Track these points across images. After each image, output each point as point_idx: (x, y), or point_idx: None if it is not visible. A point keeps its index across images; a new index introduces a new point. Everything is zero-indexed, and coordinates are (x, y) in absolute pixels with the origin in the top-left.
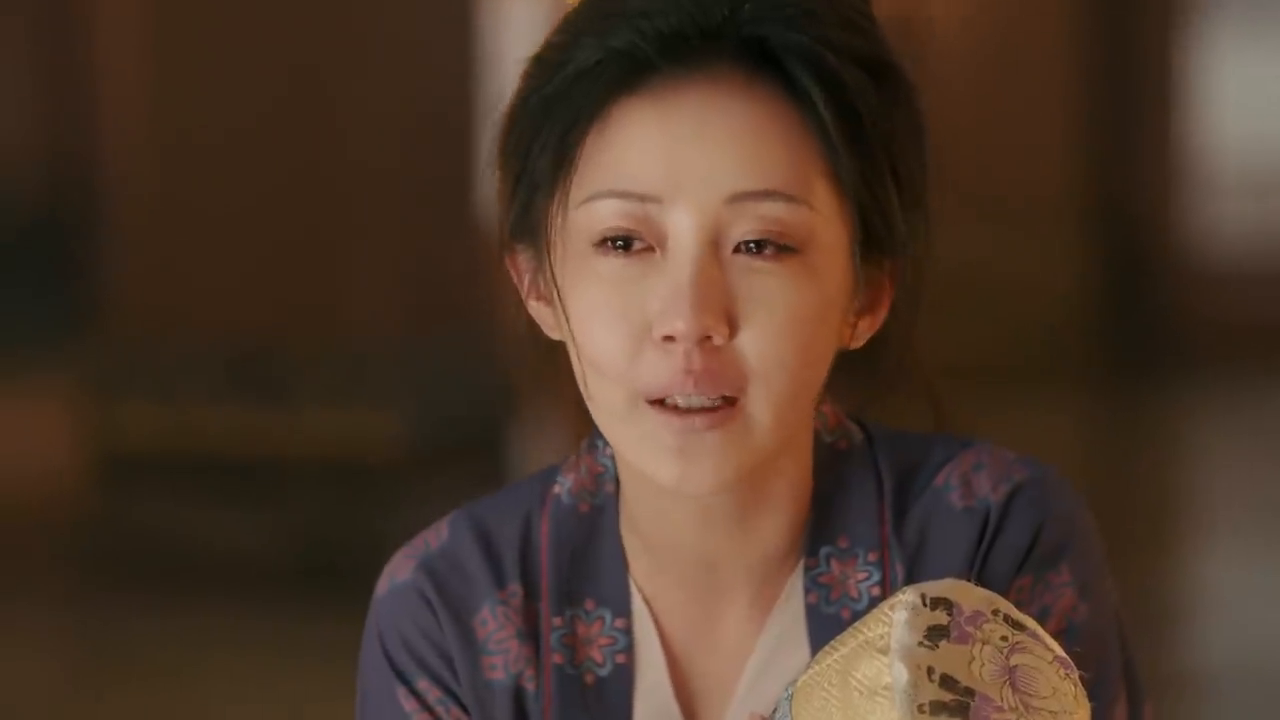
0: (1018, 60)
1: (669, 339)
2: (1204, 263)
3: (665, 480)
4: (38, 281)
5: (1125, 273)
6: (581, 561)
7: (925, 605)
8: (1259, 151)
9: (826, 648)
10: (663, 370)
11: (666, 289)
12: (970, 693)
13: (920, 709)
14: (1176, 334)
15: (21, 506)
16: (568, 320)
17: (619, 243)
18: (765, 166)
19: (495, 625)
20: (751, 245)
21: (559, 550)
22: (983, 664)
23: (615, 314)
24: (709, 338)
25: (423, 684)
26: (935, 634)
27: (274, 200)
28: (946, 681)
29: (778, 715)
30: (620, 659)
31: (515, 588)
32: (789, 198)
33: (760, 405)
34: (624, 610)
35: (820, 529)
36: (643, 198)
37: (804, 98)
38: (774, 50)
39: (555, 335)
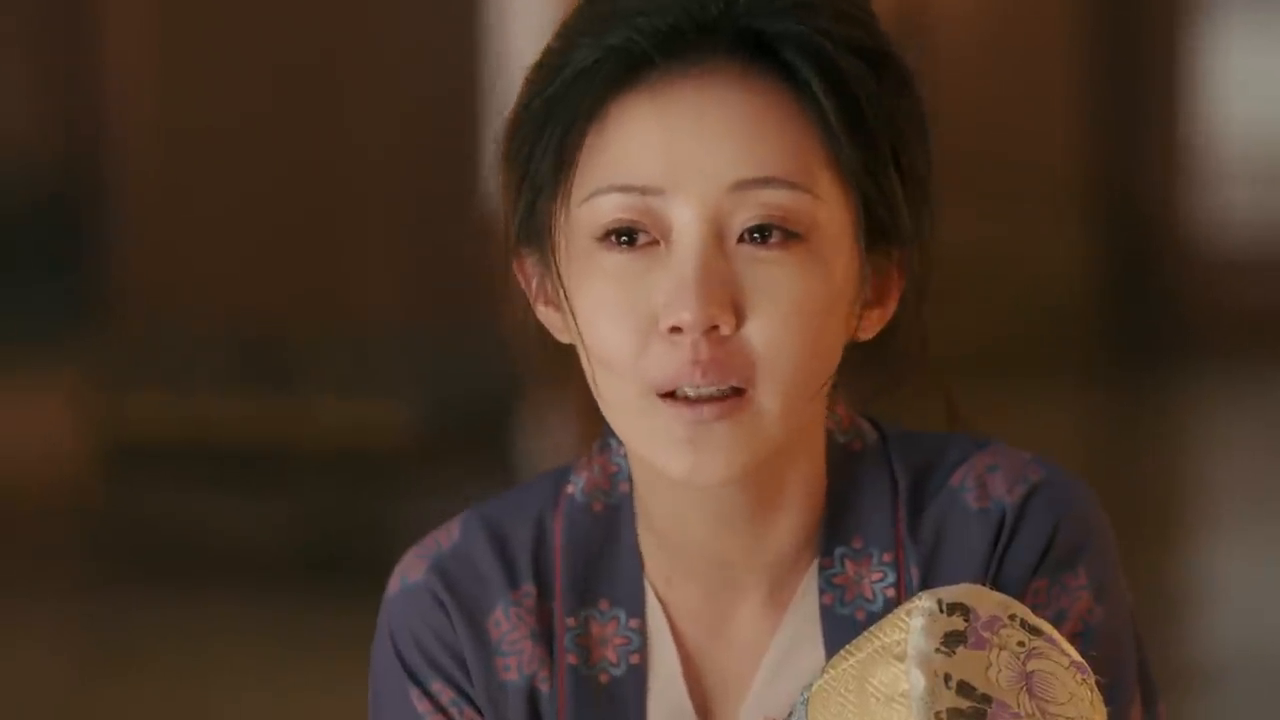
0: (1023, 50)
1: (675, 330)
2: (1210, 251)
3: (677, 472)
4: (44, 270)
5: (1131, 261)
6: (596, 561)
7: (942, 611)
8: (1265, 140)
9: (842, 652)
10: (670, 362)
11: (671, 281)
12: (987, 699)
13: (938, 716)
14: (1183, 323)
15: (28, 495)
16: (575, 319)
17: (623, 237)
18: (765, 154)
19: (509, 626)
20: (756, 234)
21: (573, 550)
22: (1000, 670)
23: (621, 308)
24: (716, 328)
25: (436, 685)
26: (952, 640)
27: (281, 189)
28: (963, 688)
29: (793, 719)
30: (634, 659)
31: (529, 588)
32: (791, 184)
33: (769, 394)
34: (638, 610)
35: (834, 529)
36: (644, 190)
37: (803, 87)
38: (770, 41)
39: (565, 339)
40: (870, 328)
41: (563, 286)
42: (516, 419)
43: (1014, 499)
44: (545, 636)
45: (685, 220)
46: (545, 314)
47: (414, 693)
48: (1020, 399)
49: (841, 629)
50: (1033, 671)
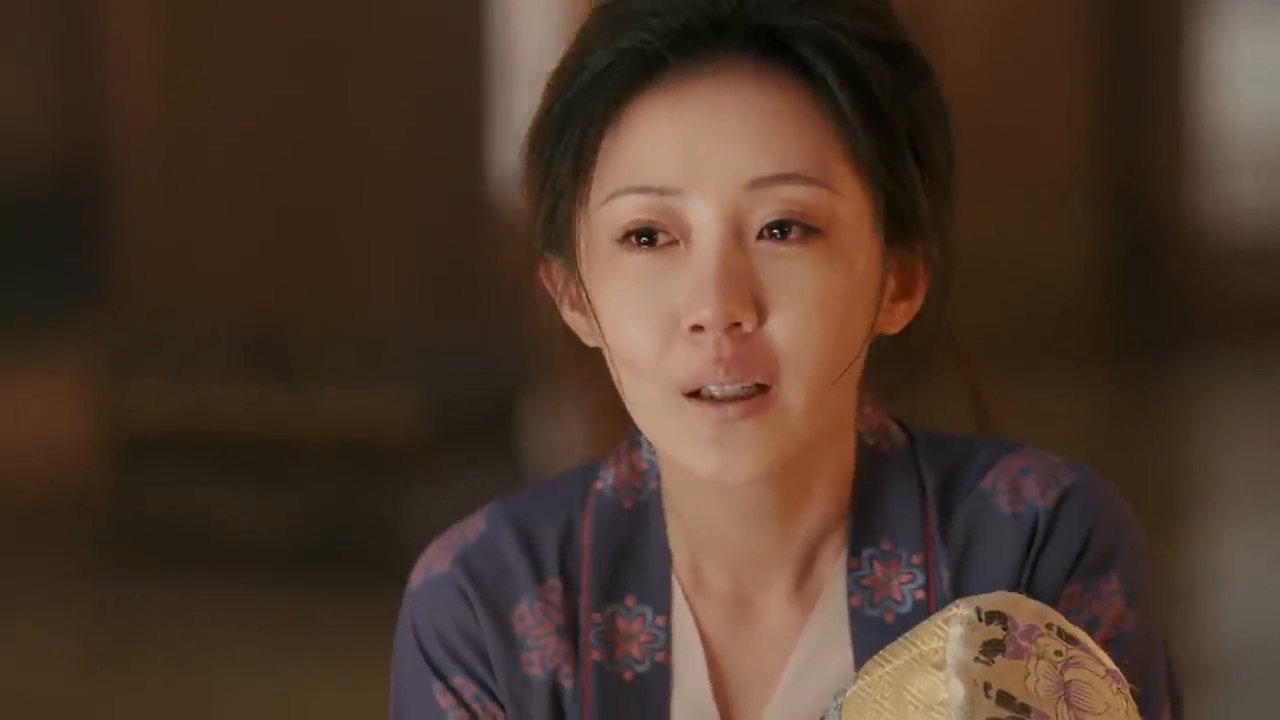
0: (1029, 39)
1: (697, 329)
2: (1216, 241)
3: (705, 471)
4: (51, 260)
5: (1137, 251)
6: (624, 557)
7: (980, 619)
8: (1271, 130)
9: (876, 658)
10: (693, 361)
11: (692, 280)
12: (1026, 709)
13: None
14: (1189, 312)
15: (33, 486)
16: (597, 321)
17: (643, 238)
18: (782, 151)
19: (534, 621)
20: (775, 230)
21: (601, 545)
22: (1038, 679)
23: (644, 309)
24: (737, 325)
25: (459, 680)
26: (991, 649)
27: (285, 181)
28: (1003, 698)
29: None
30: (659, 657)
31: (555, 583)
32: (808, 180)
33: (794, 391)
34: (664, 607)
35: (862, 531)
36: (661, 191)
37: (818, 82)
38: (783, 36)
39: (592, 343)
40: (897, 321)
41: (584, 289)
42: (520, 410)
43: (1047, 503)
44: (570, 632)
45: (704, 219)
46: (571, 318)
47: (436, 687)
48: (1026, 388)
49: (870, 630)
50: (1070, 681)
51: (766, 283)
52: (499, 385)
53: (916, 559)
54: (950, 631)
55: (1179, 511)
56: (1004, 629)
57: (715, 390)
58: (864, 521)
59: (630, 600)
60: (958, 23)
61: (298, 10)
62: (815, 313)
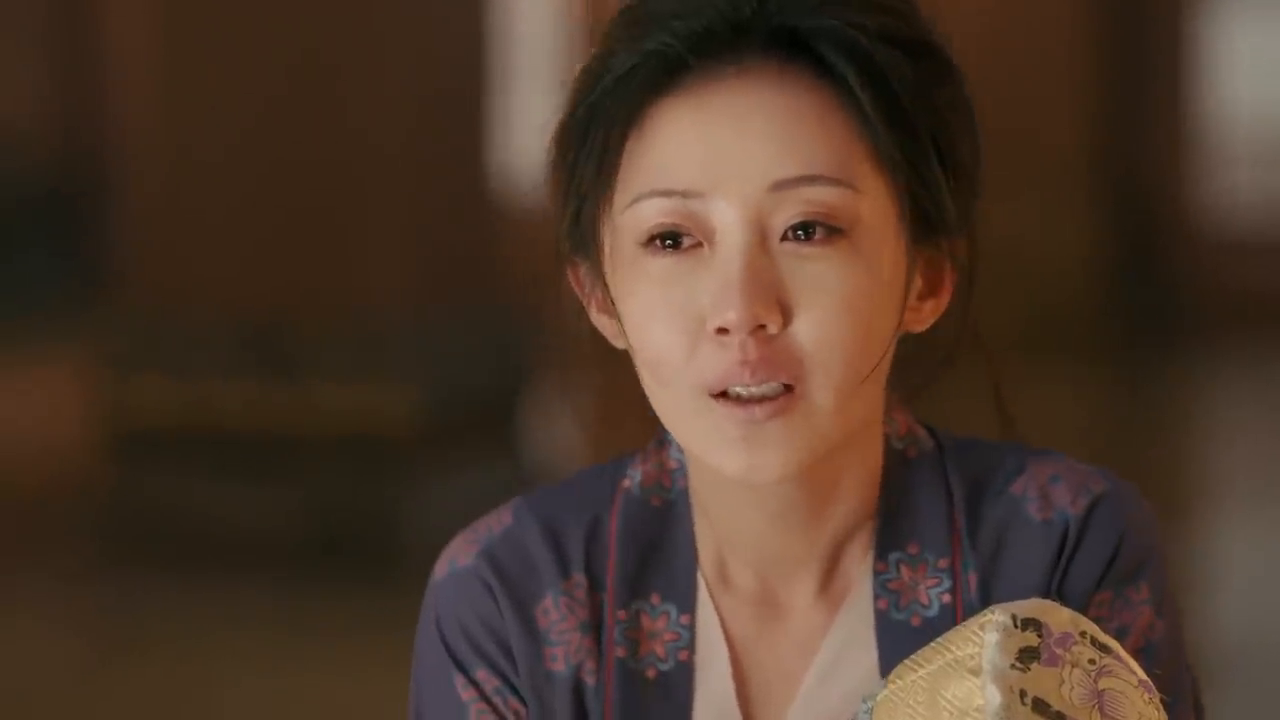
0: (1028, 31)
1: (723, 331)
2: (1216, 232)
3: (733, 471)
4: (51, 256)
5: (1137, 244)
6: (651, 555)
7: (1016, 626)
8: (1270, 122)
9: (908, 662)
10: (719, 363)
11: (716, 282)
12: (1061, 717)
13: None
14: (1189, 304)
15: (33, 482)
16: (623, 324)
17: (667, 241)
18: (805, 152)
19: (558, 616)
20: (799, 232)
21: (628, 543)
22: (1072, 687)
23: (669, 311)
24: (762, 327)
25: (481, 673)
26: (1027, 656)
27: (286, 175)
28: (1038, 705)
29: None
30: (683, 655)
31: (580, 578)
32: (831, 181)
33: (821, 390)
34: (689, 606)
35: (890, 534)
36: (685, 194)
37: (839, 81)
38: (805, 37)
39: (620, 345)
40: (924, 320)
41: (609, 292)
42: (521, 405)
43: (1078, 510)
44: (594, 628)
45: (728, 221)
46: (599, 320)
47: (458, 680)
48: (1026, 381)
49: (895, 634)
50: (1104, 690)
51: (791, 284)
52: (499, 381)
53: (943, 563)
54: (986, 637)
55: (1181, 506)
56: (1039, 636)
57: (742, 391)
58: (891, 525)
59: (655, 598)
60: (955, 18)
61: (297, 7)
62: (840, 313)
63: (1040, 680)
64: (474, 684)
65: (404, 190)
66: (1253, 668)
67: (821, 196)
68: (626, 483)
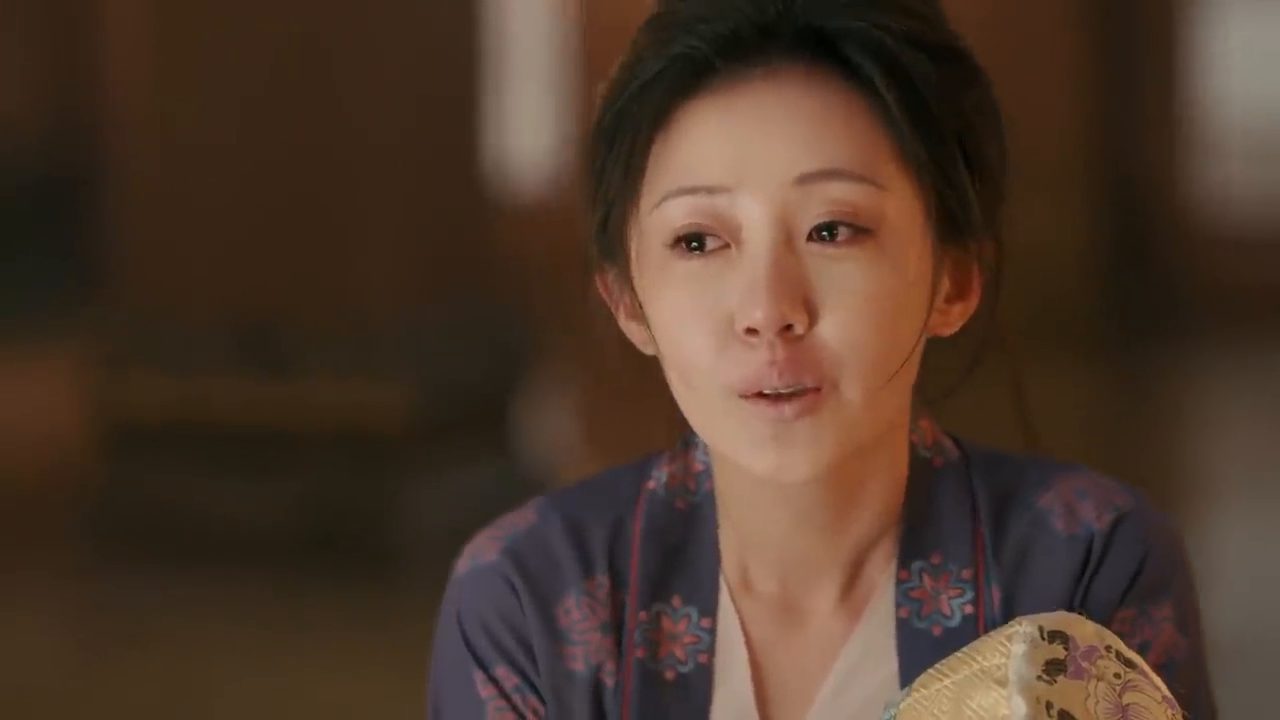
0: (1022, 26)
1: (751, 331)
2: (1210, 227)
3: (762, 470)
4: (46, 253)
5: (1131, 237)
6: (674, 557)
7: (1043, 638)
8: (1265, 115)
9: (933, 671)
10: (748, 364)
11: (744, 282)
12: None
13: None
14: (1183, 298)
15: (28, 477)
16: (651, 328)
17: (693, 244)
18: (830, 148)
19: (579, 615)
20: (824, 232)
21: (651, 544)
22: (1097, 701)
23: (697, 313)
24: (789, 327)
25: (501, 670)
26: (1053, 668)
27: (280, 171)
28: (1064, 717)
29: None
30: (703, 658)
31: (602, 579)
32: (857, 177)
33: (849, 390)
34: (711, 609)
35: (913, 543)
36: (711, 190)
37: (865, 82)
38: (831, 38)
39: (649, 351)
40: (952, 323)
41: (636, 295)
42: (515, 402)
43: (1103, 525)
44: (615, 628)
45: (754, 218)
46: (628, 326)
47: (478, 676)
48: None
49: (917, 643)
50: (1129, 705)
51: (817, 284)
52: (494, 377)
53: (967, 574)
54: (1013, 649)
55: (1172, 497)
56: (1065, 649)
57: (769, 389)
58: (915, 533)
59: (677, 600)
60: (950, 13)
61: (292, 4)
62: (866, 313)
63: (1066, 693)
64: (493, 681)
65: (399, 187)
66: (1247, 662)
67: (846, 195)
68: (651, 484)
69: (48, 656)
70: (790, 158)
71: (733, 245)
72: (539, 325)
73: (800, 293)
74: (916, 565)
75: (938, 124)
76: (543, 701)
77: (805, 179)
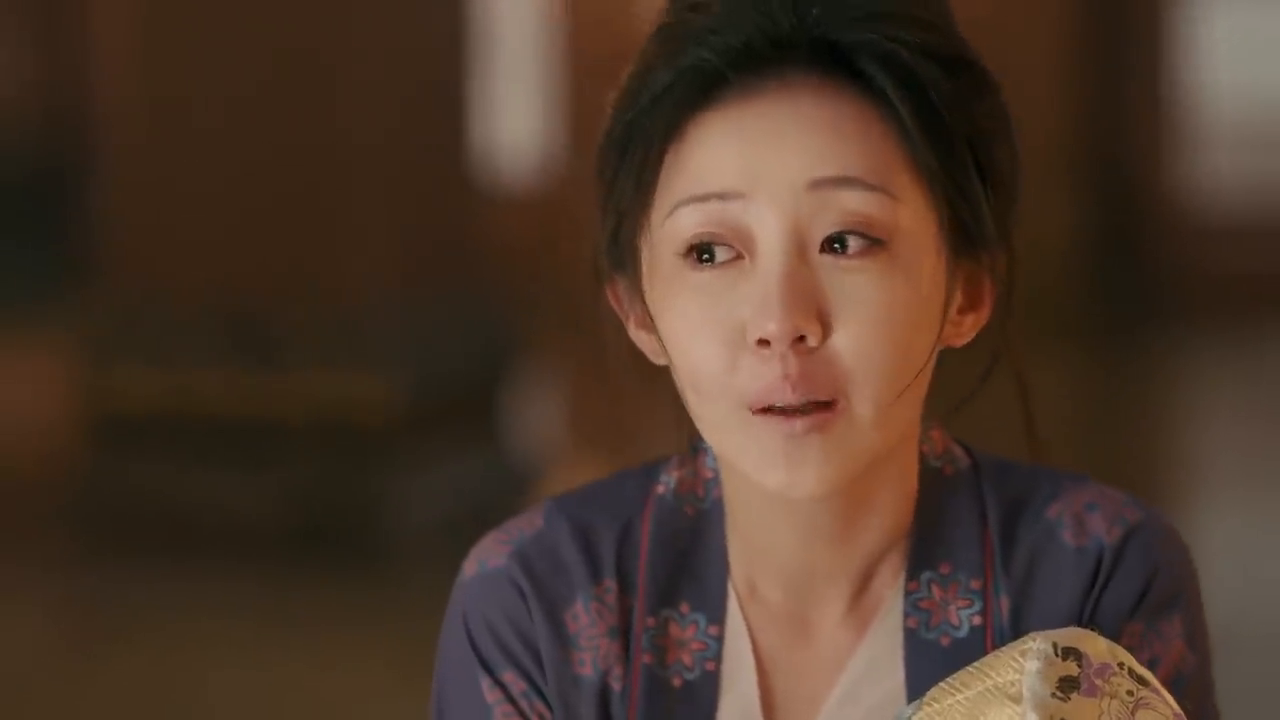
0: (1008, 15)
1: (763, 343)
2: (1198, 216)
3: (773, 485)
4: (32, 243)
5: (1119, 227)
6: (682, 563)
7: (1057, 655)
8: (1252, 105)
9: (945, 685)
10: (761, 377)
11: (756, 293)
12: None
13: None
14: (1171, 288)
15: (13, 468)
16: (663, 338)
17: (705, 255)
18: (843, 156)
19: (587, 621)
20: (837, 244)
21: (660, 550)
22: (1111, 718)
23: (709, 324)
24: (802, 339)
25: (508, 675)
26: (1067, 685)
27: (268, 162)
28: None
29: None
30: (709, 665)
31: (610, 583)
32: (870, 186)
33: (861, 405)
34: (719, 616)
35: (922, 553)
36: (723, 196)
37: (878, 94)
38: (845, 50)
39: (660, 362)
40: (965, 334)
41: (647, 306)
42: (503, 392)
43: (1112, 539)
44: (623, 634)
45: (766, 226)
46: (639, 336)
47: (485, 681)
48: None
49: (924, 654)
50: None
51: (831, 296)
52: (481, 368)
53: (975, 584)
54: (1027, 665)
55: (1159, 487)
56: (1079, 666)
57: (781, 404)
58: (924, 544)
59: (685, 607)
60: None
61: None
62: (880, 325)
63: (1080, 710)
64: (500, 685)
65: (385, 177)
66: (1234, 654)
67: (859, 205)
68: (660, 489)
69: (33, 649)
70: (804, 164)
71: (745, 256)
72: (527, 317)
73: (813, 304)
74: (925, 576)
75: (951, 136)
76: (550, 707)
77: (818, 185)
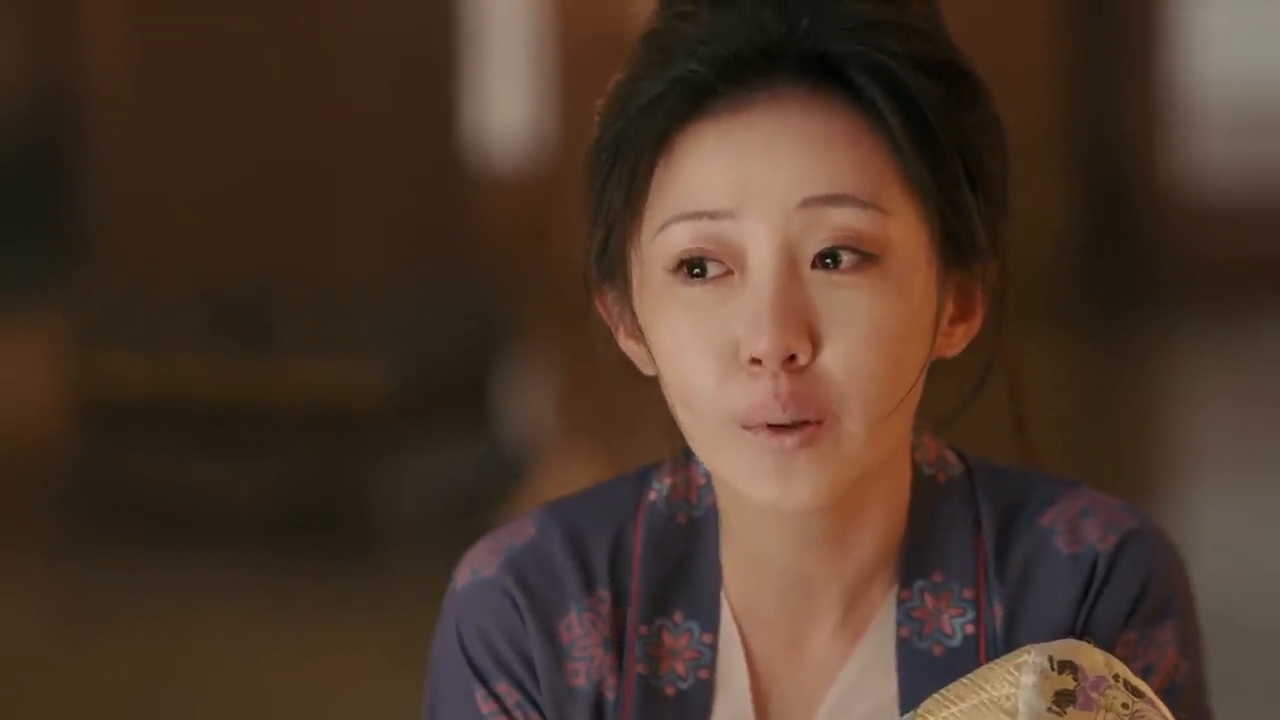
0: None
1: (755, 362)
2: (1189, 201)
3: (763, 500)
4: (21, 228)
5: (1111, 210)
6: (675, 572)
7: (1053, 668)
8: (1244, 90)
9: (938, 696)
10: (751, 395)
11: (748, 310)
12: None
13: None
14: (1163, 272)
15: (2, 454)
16: (652, 352)
17: (695, 270)
18: (834, 172)
19: (581, 631)
20: (828, 259)
21: (653, 558)
22: None
23: (699, 339)
24: (793, 357)
25: (502, 686)
26: (1063, 700)
27: (259, 148)
28: None
29: None
30: (703, 674)
31: (604, 593)
32: (861, 203)
33: (852, 422)
34: (712, 625)
35: (915, 561)
36: (714, 215)
37: (869, 105)
38: (835, 61)
39: (650, 372)
40: (956, 345)
41: (637, 321)
42: (495, 379)
43: (1106, 546)
44: (616, 644)
45: (757, 243)
46: (628, 346)
47: (479, 692)
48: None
49: (917, 662)
50: None
51: (822, 312)
52: (473, 355)
53: (968, 593)
54: (1022, 679)
55: (1150, 471)
56: (1074, 679)
57: (772, 421)
58: (917, 552)
59: (678, 616)
60: None
61: None
62: (871, 342)
63: None
64: (494, 696)
65: (377, 164)
66: (1223, 639)
67: (850, 221)
68: (652, 495)
69: (22, 636)
70: (794, 181)
71: (735, 272)
72: (520, 303)
73: (804, 322)
74: (918, 584)
75: (942, 148)
76: (544, 717)
77: (809, 203)
